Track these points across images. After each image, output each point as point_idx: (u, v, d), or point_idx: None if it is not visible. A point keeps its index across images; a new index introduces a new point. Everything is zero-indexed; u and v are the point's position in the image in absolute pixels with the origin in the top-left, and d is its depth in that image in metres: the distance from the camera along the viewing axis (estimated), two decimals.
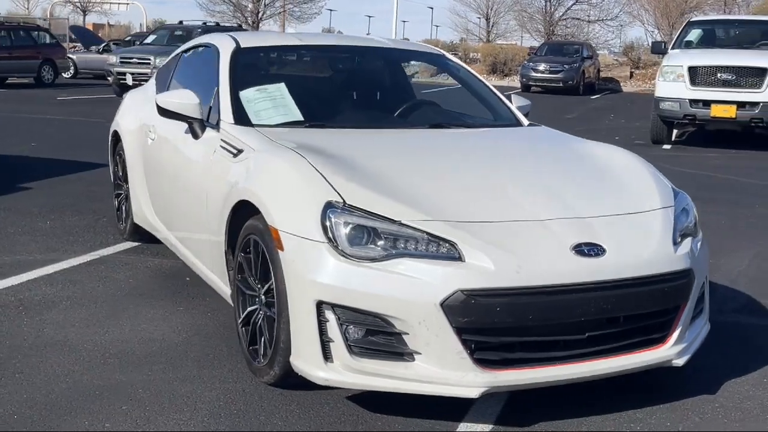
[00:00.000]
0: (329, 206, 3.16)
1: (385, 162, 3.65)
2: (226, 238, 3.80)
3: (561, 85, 27.57)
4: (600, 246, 3.20)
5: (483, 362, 3.03)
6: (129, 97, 6.12)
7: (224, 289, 3.99)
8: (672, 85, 13.22)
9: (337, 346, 3.08)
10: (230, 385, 3.52)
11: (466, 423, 3.23)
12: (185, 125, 4.45)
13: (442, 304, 2.96)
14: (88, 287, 4.81)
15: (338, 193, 3.21)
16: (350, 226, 3.11)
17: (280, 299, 3.25)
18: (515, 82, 30.32)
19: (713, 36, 14.70)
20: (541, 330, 3.10)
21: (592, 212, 3.40)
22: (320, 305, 3.08)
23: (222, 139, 4.05)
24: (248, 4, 41.18)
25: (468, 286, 2.97)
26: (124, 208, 5.86)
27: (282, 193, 3.36)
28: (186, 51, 5.43)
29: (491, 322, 3.01)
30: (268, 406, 3.32)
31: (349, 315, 3.06)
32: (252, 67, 4.66)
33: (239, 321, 3.70)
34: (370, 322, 3.06)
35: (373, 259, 3.05)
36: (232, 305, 3.92)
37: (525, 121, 4.82)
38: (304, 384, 3.33)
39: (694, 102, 12.97)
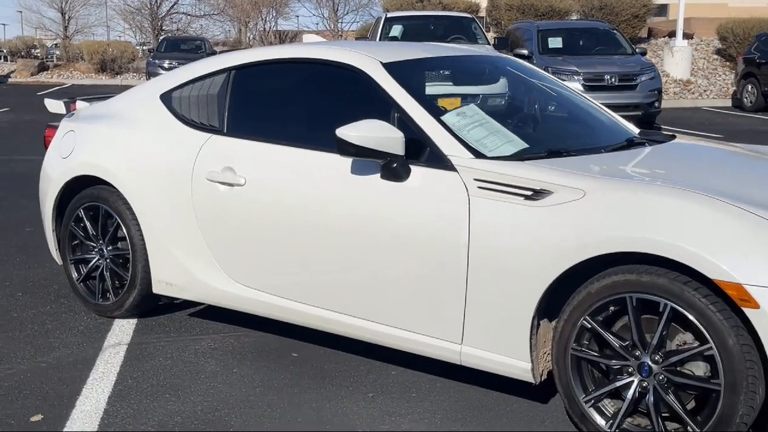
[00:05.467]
0: None
1: (734, 190, 3.19)
2: (540, 302, 3.09)
3: None
4: None
5: None
6: (107, 129, 4.45)
7: (516, 365, 3.21)
8: None
9: None
10: None
11: None
12: (340, 165, 3.54)
13: None
14: (213, 384, 3.62)
15: None
16: None
17: (733, 364, 2.74)
18: (129, 80, 29.07)
19: (410, 31, 15.39)
20: None
21: None
22: None
23: (480, 179, 3.23)
24: None
25: None
26: (106, 275, 4.46)
27: (722, 241, 2.79)
28: (238, 69, 4.15)
29: None
30: None
31: None
32: (416, 88, 3.82)
33: (596, 395, 3.06)
34: None
35: None
36: (533, 381, 3.23)
37: None
38: None
39: None
